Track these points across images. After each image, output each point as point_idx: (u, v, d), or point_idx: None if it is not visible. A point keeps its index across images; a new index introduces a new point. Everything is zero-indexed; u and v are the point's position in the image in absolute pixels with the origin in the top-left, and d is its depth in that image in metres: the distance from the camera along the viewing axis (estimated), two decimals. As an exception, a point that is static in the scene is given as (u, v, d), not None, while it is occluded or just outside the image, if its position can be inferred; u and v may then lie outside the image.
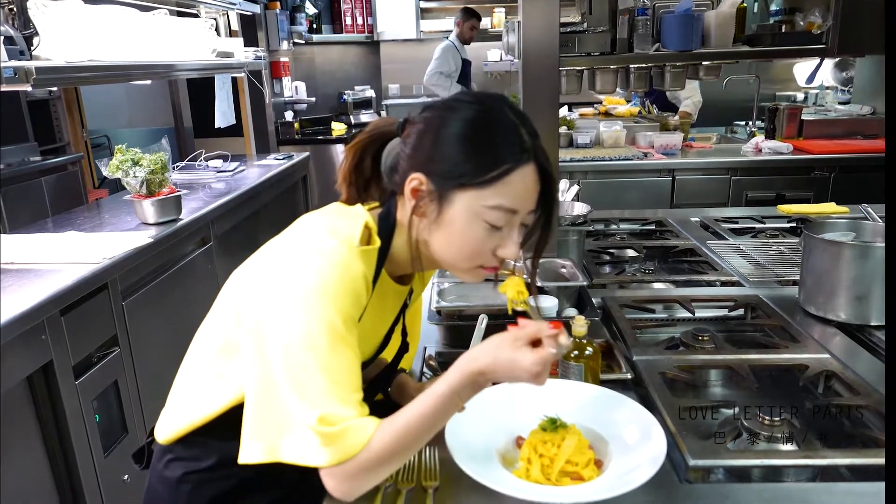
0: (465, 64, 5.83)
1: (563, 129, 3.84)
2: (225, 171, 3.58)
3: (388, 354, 1.13)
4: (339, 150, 5.67)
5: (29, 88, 1.88)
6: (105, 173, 2.39)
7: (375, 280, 0.97)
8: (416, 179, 0.93)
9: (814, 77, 4.68)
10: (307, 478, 1.04)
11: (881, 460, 0.97)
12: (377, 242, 0.97)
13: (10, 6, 2.00)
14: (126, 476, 2.10)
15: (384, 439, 0.84)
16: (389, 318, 1.08)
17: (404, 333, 1.16)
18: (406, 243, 0.98)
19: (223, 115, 4.21)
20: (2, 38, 1.87)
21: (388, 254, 0.99)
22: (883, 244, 1.41)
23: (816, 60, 4.45)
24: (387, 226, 0.99)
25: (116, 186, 3.63)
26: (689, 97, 4.50)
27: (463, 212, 0.91)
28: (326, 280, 0.87)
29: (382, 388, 1.17)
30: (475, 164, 0.90)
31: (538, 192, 0.94)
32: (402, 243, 0.99)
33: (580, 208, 1.83)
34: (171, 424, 1.05)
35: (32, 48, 2.05)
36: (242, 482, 1.04)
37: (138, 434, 2.21)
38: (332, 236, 0.91)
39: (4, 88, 1.81)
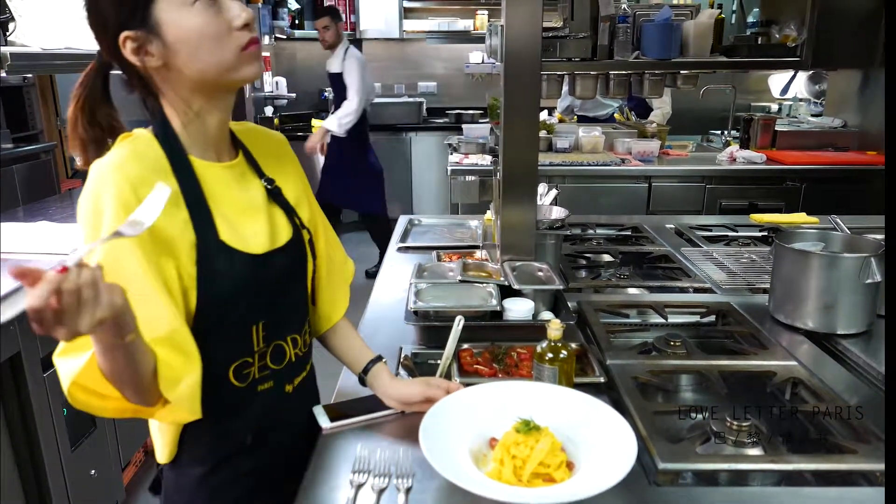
0: (332, 78, 4.81)
1: (542, 133, 3.87)
2: (202, 165, 3.54)
3: (279, 238, 1.07)
4: (319, 147, 5.64)
5: (3, 74, 1.85)
6: (79, 164, 2.35)
7: (179, 165, 0.96)
8: (125, 40, 0.91)
9: (788, 89, 4.76)
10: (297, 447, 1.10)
11: (844, 465, 1.00)
12: (132, 136, 0.97)
13: (-14, -10, 1.96)
14: (93, 471, 2.07)
15: None
16: (251, 202, 1.05)
17: (297, 223, 1.11)
18: (180, 113, 0.97)
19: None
20: (-24, 22, 1.84)
21: (176, 137, 0.98)
22: (849, 255, 1.45)
23: (791, 72, 4.53)
24: (158, 117, 0.98)
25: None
26: (660, 108, 4.57)
27: (174, 15, 0.91)
28: (85, 216, 0.90)
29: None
30: None
31: None
32: (179, 121, 0.98)
33: (558, 212, 1.84)
34: (160, 438, 1.06)
35: (8, 34, 2.01)
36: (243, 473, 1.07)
37: (106, 428, 2.18)
38: (93, 168, 0.92)
39: (-23, 74, 1.78)
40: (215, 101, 0.99)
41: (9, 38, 2.02)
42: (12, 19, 2.02)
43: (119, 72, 0.99)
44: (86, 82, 0.98)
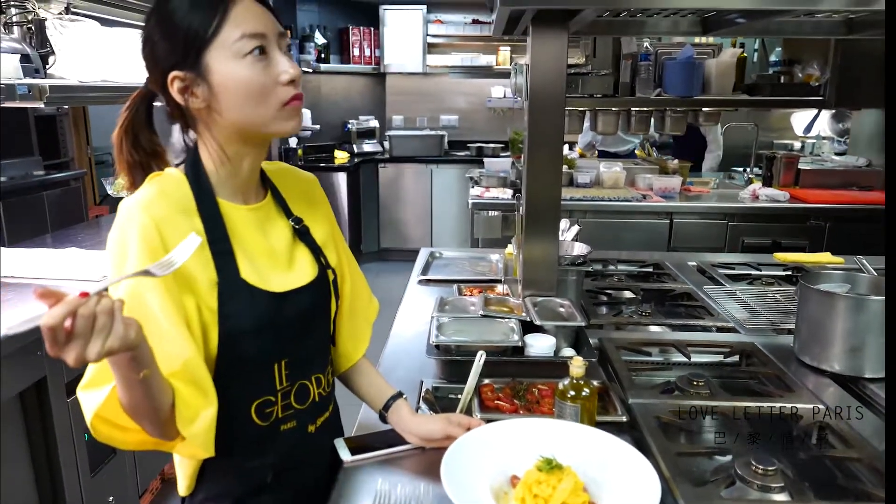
0: None
1: (563, 168, 3.88)
2: (227, 194, 3.59)
3: (303, 277, 1.08)
4: (342, 178, 5.72)
5: (42, 106, 1.91)
6: (110, 192, 2.41)
7: (206, 206, 0.98)
8: (174, 79, 0.94)
9: (811, 127, 4.75)
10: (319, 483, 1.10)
11: (873, 515, 0.98)
12: (163, 174, 0.99)
13: (29, 25, 2.04)
14: (111, 497, 2.07)
15: None
16: (274, 243, 1.06)
17: (323, 263, 1.12)
18: (214, 155, 0.99)
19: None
20: (19, 55, 1.90)
21: (206, 178, 1.00)
22: (877, 297, 1.43)
23: (814, 111, 4.53)
24: (191, 155, 1.01)
25: (117, 205, 3.66)
26: (713, 152, 4.56)
27: (224, 64, 0.93)
28: (112, 250, 0.92)
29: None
30: (199, 20, 0.92)
31: (269, 16, 0.96)
32: (212, 162, 1.00)
33: (580, 248, 1.85)
34: (181, 471, 1.07)
35: (47, 66, 2.09)
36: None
37: (126, 455, 2.19)
38: (122, 205, 0.95)
39: (18, 105, 1.84)
40: (249, 148, 1.01)
41: (48, 71, 2.10)
42: (52, 53, 2.10)
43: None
44: (132, 107, 1.02)
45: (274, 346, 1.02)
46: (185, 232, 0.90)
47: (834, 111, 4.47)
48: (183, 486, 1.07)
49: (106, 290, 0.74)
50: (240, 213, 1.02)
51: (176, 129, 1.06)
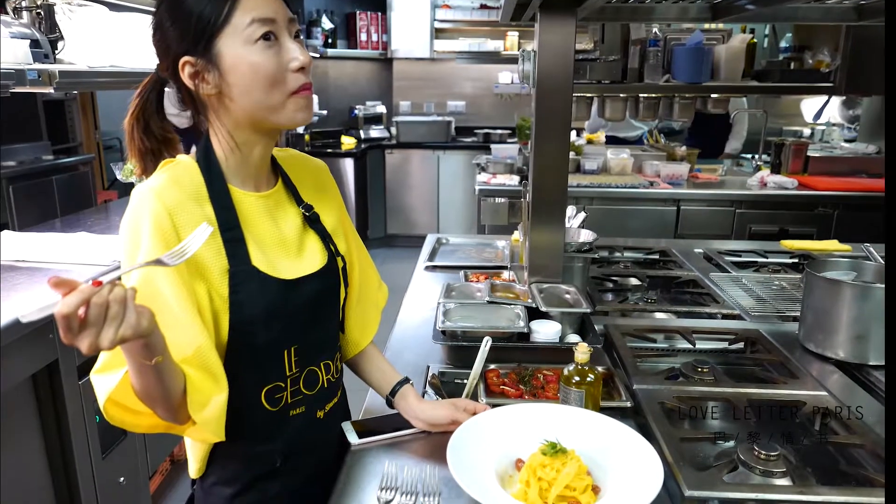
0: None
1: (570, 155, 3.88)
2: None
3: (313, 265, 1.09)
4: (349, 164, 5.73)
5: (51, 91, 1.92)
6: (119, 177, 2.42)
7: (217, 194, 0.99)
8: (185, 65, 0.95)
9: (821, 114, 4.71)
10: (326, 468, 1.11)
11: (875, 499, 0.98)
12: (175, 161, 1.00)
13: (38, 11, 2.05)
14: (122, 478, 2.11)
15: None
16: (285, 230, 1.07)
17: (333, 250, 1.12)
18: (224, 142, 1.00)
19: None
20: (28, 40, 1.91)
21: (218, 165, 1.00)
22: (882, 285, 1.43)
23: (824, 97, 4.49)
24: (202, 143, 1.01)
25: (126, 189, 3.68)
26: (734, 145, 4.53)
27: (235, 50, 0.93)
28: (124, 237, 0.93)
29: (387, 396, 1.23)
30: (210, 6, 0.92)
31: (280, 1, 0.97)
32: (223, 150, 1.01)
33: (586, 235, 1.85)
34: (192, 454, 1.09)
35: (57, 52, 2.09)
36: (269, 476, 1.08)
37: (136, 437, 2.23)
38: (135, 192, 0.96)
39: (28, 90, 1.85)
40: (259, 136, 1.02)
41: (57, 56, 2.11)
42: (61, 38, 2.11)
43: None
44: (142, 93, 1.03)
45: (284, 332, 1.03)
46: (197, 219, 0.91)
47: (844, 98, 4.44)
48: (194, 469, 1.09)
49: (119, 278, 0.75)
50: (251, 201, 1.03)
51: None
